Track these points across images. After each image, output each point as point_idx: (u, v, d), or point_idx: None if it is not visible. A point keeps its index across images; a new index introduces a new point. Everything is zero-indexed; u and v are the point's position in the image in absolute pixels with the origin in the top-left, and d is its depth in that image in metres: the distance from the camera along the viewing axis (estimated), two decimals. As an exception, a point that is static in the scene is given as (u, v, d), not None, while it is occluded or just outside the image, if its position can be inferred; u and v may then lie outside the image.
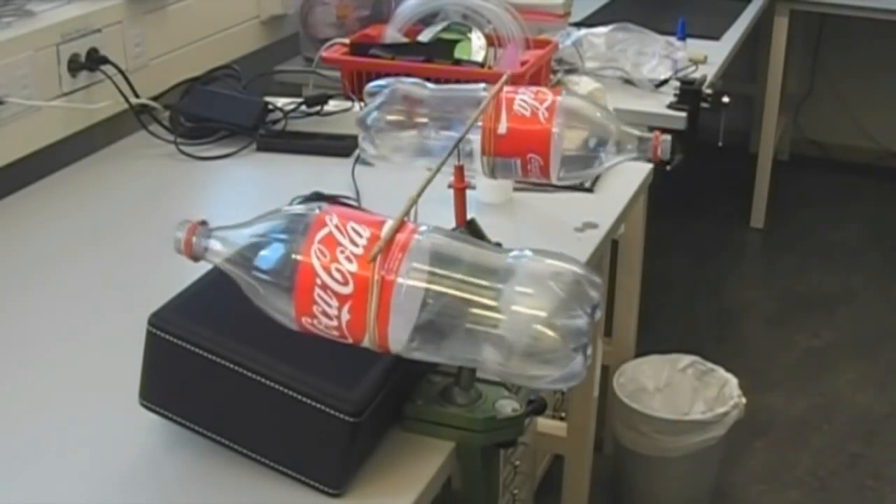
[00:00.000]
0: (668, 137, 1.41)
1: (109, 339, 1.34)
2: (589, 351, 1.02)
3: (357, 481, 1.08)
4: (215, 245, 1.04)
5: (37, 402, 1.23)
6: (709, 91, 2.34)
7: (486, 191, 1.71)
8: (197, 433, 1.10)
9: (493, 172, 1.42)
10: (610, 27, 2.48)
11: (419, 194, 1.07)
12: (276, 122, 1.99)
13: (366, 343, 1.04)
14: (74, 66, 1.86)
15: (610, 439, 2.59)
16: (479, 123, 1.37)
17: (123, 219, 1.69)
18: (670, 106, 2.31)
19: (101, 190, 1.79)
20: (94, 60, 1.89)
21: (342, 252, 1.01)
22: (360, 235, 1.03)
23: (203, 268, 1.19)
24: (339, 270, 1.01)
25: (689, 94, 2.30)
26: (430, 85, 1.45)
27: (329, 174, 1.73)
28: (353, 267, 1.01)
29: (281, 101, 2.03)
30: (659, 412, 2.41)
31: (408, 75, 2.07)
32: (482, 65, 2.13)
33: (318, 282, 1.01)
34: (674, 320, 3.31)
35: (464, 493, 1.18)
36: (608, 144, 1.40)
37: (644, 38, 2.46)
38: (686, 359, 2.57)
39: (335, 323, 1.02)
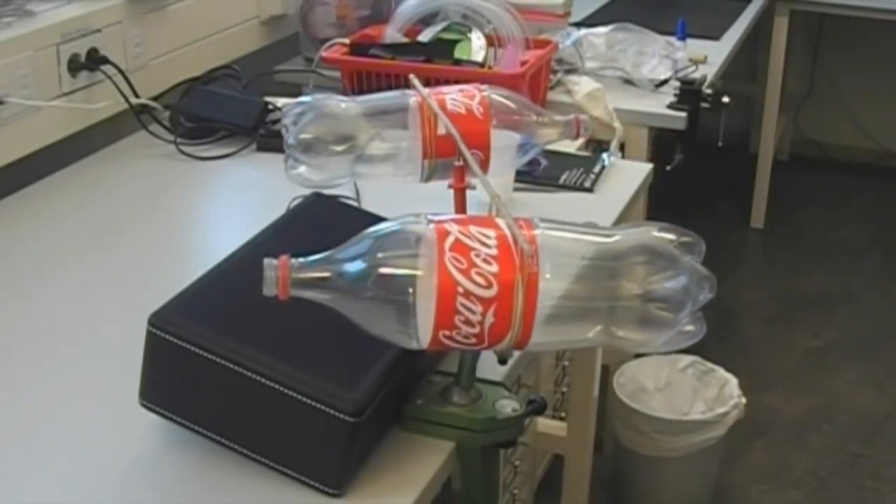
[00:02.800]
0: (586, 116, 1.44)
1: (109, 339, 1.34)
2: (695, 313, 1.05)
3: (357, 481, 1.08)
4: (313, 278, 1.01)
5: (37, 402, 1.23)
6: (709, 91, 2.34)
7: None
8: (197, 433, 1.10)
9: (430, 176, 1.39)
10: (610, 27, 2.48)
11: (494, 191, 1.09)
12: (276, 122, 1.99)
13: (503, 345, 1.03)
14: (74, 66, 1.86)
15: (610, 439, 2.59)
16: (417, 129, 1.34)
17: (123, 219, 1.69)
18: (670, 106, 2.31)
19: (101, 190, 1.79)
20: (94, 60, 1.89)
21: (477, 256, 1.00)
22: (487, 236, 1.02)
23: (203, 268, 1.19)
24: (480, 274, 0.99)
25: (689, 94, 2.30)
26: (346, 99, 1.40)
27: (329, 174, 1.73)
28: (494, 268, 1.00)
29: (281, 101, 2.03)
30: (659, 412, 2.41)
31: (407, 75, 2.08)
32: (482, 65, 2.13)
33: (461, 290, 0.99)
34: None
35: (464, 493, 1.18)
36: (536, 131, 1.42)
37: (644, 38, 2.46)
38: (686, 359, 2.57)
39: (477, 329, 1.01)
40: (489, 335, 1.01)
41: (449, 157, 1.36)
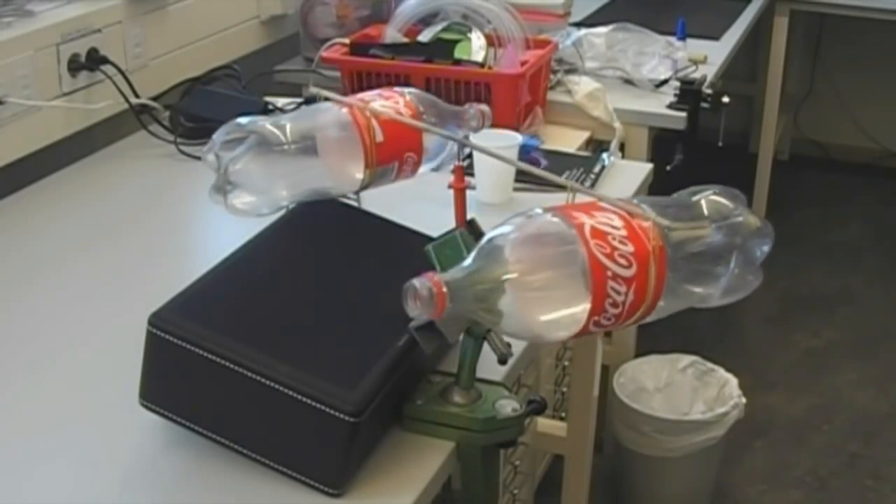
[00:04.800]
0: (484, 106, 1.44)
1: (110, 338, 1.34)
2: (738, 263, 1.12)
3: (357, 481, 1.08)
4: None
5: (37, 402, 1.23)
6: (709, 91, 2.34)
7: (486, 191, 1.71)
8: (197, 433, 1.10)
9: (367, 186, 1.36)
10: (610, 27, 2.48)
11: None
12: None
13: (631, 321, 1.07)
14: (74, 66, 1.86)
15: (610, 439, 2.59)
16: (356, 140, 1.31)
17: (123, 219, 1.69)
18: (670, 106, 2.31)
19: (101, 190, 1.79)
20: (94, 60, 1.89)
21: (614, 239, 1.04)
22: (611, 219, 1.06)
23: (203, 268, 1.19)
24: (621, 256, 1.03)
25: (689, 94, 2.30)
26: (277, 121, 1.32)
27: (329, 174, 1.73)
28: (630, 248, 1.04)
29: (281, 101, 2.03)
30: (659, 412, 2.41)
31: (407, 75, 2.08)
32: (482, 65, 2.13)
33: (609, 274, 1.03)
34: (674, 320, 3.29)
35: (464, 493, 1.18)
36: (450, 124, 1.41)
37: (644, 38, 2.46)
38: (686, 359, 2.57)
39: (618, 310, 1.05)
40: (626, 313, 1.05)
41: (388, 164, 1.34)
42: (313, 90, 1.37)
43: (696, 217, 1.13)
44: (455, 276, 1.01)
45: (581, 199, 1.13)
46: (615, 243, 1.04)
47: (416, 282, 0.99)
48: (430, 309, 0.99)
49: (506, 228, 1.04)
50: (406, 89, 1.41)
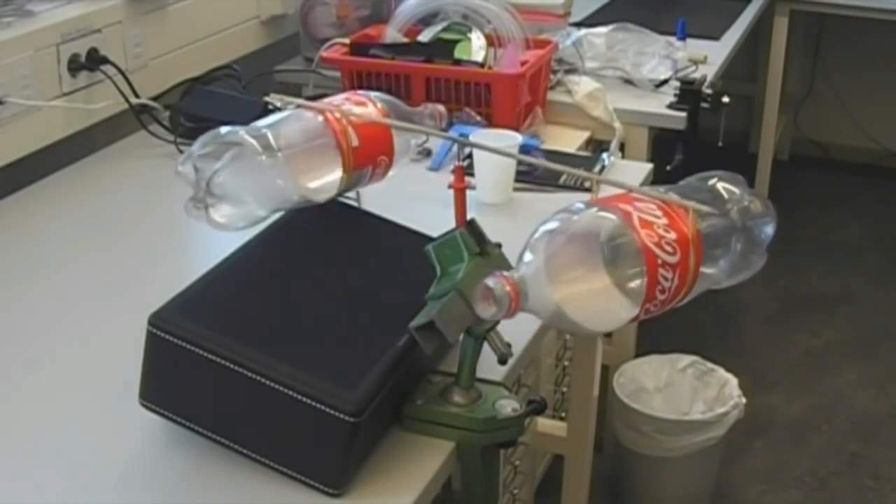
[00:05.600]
0: (440, 106, 1.45)
1: (109, 339, 1.34)
2: (742, 241, 1.14)
3: (357, 481, 1.08)
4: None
5: (37, 402, 1.23)
6: (709, 91, 2.34)
7: (486, 191, 1.71)
8: (197, 433, 1.10)
9: (344, 191, 1.34)
10: (610, 27, 2.48)
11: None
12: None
13: (672, 304, 1.09)
14: (74, 66, 1.86)
15: (610, 439, 2.59)
16: (332, 147, 1.30)
17: (123, 219, 1.69)
18: (670, 106, 2.31)
19: (101, 190, 1.79)
20: (94, 60, 1.89)
21: (658, 228, 1.06)
22: (651, 207, 1.08)
23: (203, 268, 1.19)
24: (667, 243, 1.06)
25: (689, 94, 2.30)
26: (252, 132, 1.28)
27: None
28: (673, 235, 1.06)
29: (281, 101, 2.03)
30: (659, 412, 2.41)
31: (407, 75, 2.08)
32: (482, 65, 2.13)
33: (660, 262, 1.05)
34: (674, 320, 3.30)
35: (464, 493, 1.18)
36: (414, 123, 1.42)
37: (644, 38, 2.46)
38: (686, 359, 2.57)
39: (665, 296, 1.07)
40: (670, 298, 1.07)
41: (363, 168, 1.34)
42: (273, 98, 1.37)
43: (717, 201, 1.15)
44: (523, 275, 1.02)
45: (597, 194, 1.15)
46: (661, 231, 1.06)
47: (491, 282, 1.01)
48: (505, 309, 1.01)
49: (554, 224, 1.05)
50: (373, 93, 1.41)
